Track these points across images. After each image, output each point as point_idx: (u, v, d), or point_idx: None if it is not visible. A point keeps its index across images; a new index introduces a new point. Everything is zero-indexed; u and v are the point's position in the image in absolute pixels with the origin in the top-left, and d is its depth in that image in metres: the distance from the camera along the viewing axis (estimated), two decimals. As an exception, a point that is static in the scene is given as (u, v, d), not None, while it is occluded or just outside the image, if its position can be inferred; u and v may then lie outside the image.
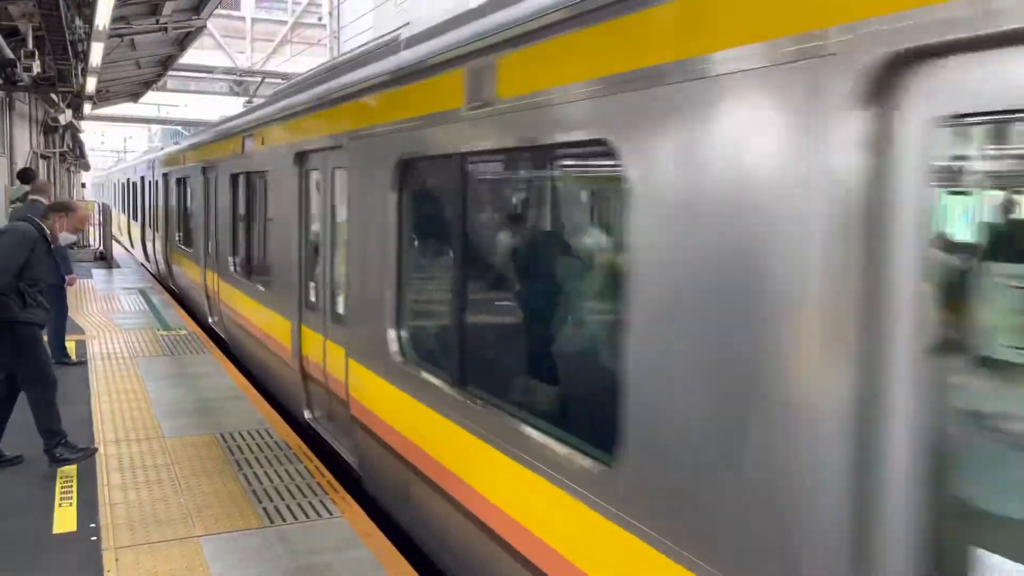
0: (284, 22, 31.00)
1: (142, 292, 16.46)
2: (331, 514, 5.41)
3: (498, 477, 3.92)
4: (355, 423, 5.96)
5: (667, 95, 2.76)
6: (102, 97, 22.87)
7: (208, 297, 12.18)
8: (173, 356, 10.26)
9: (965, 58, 1.92)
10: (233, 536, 5.04)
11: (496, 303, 4.72)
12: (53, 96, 17.82)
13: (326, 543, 4.98)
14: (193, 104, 35.60)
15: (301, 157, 7.31)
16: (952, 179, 2.07)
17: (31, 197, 9.77)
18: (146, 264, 21.83)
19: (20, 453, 6.32)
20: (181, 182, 14.92)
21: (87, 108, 21.54)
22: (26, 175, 11.91)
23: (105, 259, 21.65)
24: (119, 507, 5.44)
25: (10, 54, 12.03)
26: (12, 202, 10.15)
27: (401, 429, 5.11)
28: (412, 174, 5.12)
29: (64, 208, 6.70)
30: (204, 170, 12.37)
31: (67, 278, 9.09)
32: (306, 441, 7.03)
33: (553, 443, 3.48)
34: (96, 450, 6.29)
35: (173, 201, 15.92)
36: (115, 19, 11.08)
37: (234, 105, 26.70)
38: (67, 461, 6.07)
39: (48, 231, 6.32)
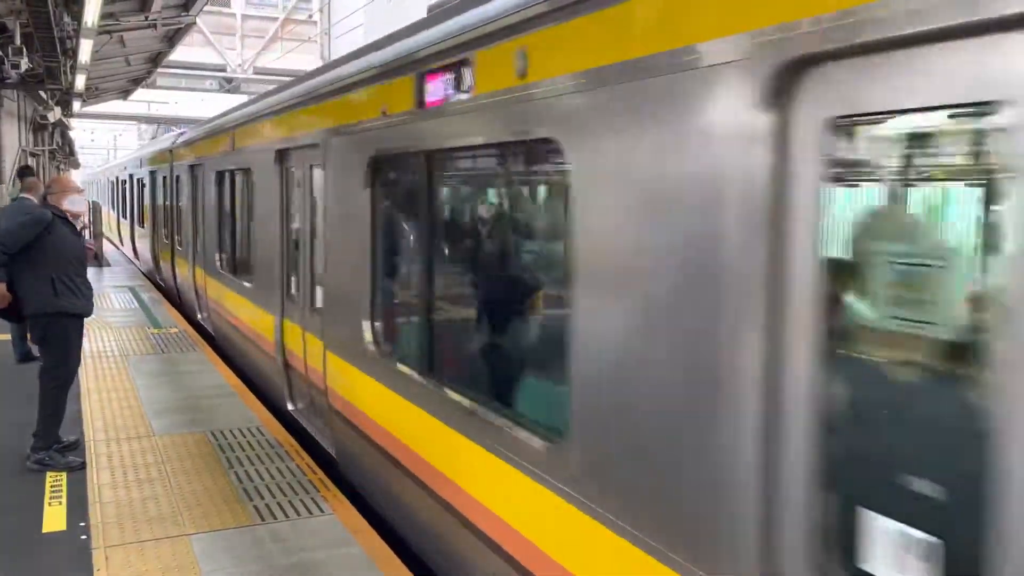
0: (275, 19, 30.86)
1: (132, 290, 16.40)
2: (322, 511, 5.40)
3: (296, 342, 7.03)
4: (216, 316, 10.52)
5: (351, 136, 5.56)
6: (91, 94, 22.76)
7: (155, 252, 16.08)
8: (163, 354, 10.23)
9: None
10: (224, 534, 5.03)
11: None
12: (42, 93, 17.74)
13: (317, 540, 4.97)
14: (183, 101, 35.44)
15: (192, 167, 11.57)
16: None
17: (21, 195, 9.71)
18: (120, 248, 24.43)
19: (76, 437, 6.60)
20: (149, 180, 17.93)
21: (76, 105, 21.47)
22: (26, 173, 11.81)
23: (96, 257, 21.55)
24: (109, 505, 5.42)
25: (-2, 51, 11.96)
26: (13, 200, 10.10)
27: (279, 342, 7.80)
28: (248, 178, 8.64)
29: (48, 187, 6.67)
30: (151, 173, 16.10)
31: None
32: (297, 438, 7.02)
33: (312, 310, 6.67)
34: (84, 465, 6.11)
35: (145, 195, 18.79)
36: (104, 15, 11.02)
37: (224, 101, 26.61)
38: (50, 468, 6.03)
39: (65, 214, 6.27)
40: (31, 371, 7.81)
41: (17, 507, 5.40)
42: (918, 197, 2.39)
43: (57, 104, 19.82)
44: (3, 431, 6.82)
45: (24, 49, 11.46)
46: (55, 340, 6.09)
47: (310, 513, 5.37)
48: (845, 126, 2.19)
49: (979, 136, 2.05)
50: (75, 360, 6.35)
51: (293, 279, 7.35)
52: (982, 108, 1.90)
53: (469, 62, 3.96)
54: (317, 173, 6.58)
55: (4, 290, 5.93)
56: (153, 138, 26.49)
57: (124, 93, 26.98)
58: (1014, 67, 1.77)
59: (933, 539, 2.04)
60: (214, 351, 10.39)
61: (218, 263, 10.47)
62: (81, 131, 46.80)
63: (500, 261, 4.75)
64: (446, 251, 5.00)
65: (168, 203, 14.84)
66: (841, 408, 2.27)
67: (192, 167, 12.29)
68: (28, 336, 9.07)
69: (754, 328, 2.36)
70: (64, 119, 23.15)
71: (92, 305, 6.38)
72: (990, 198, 2.03)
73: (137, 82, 24.40)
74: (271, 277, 7.73)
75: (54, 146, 23.79)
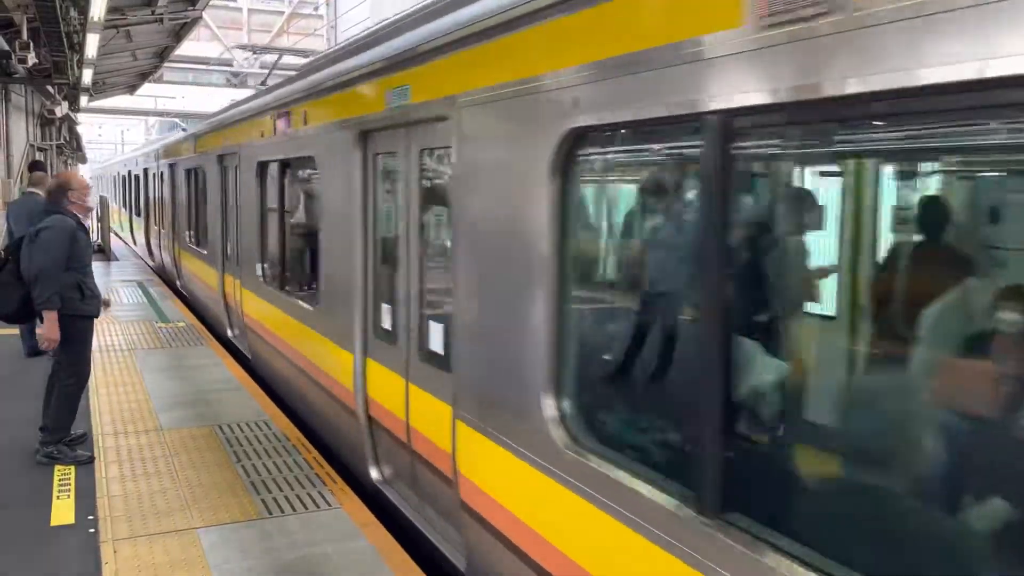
0: (281, 12, 30.86)
1: (140, 285, 16.44)
2: (329, 505, 5.41)
3: (391, 395, 5.36)
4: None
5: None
6: (98, 89, 22.77)
7: (175, 256, 16.29)
8: (171, 348, 10.25)
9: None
10: (231, 527, 5.04)
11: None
12: (49, 88, 17.73)
13: (325, 534, 4.98)
14: (190, 96, 35.47)
15: (224, 159, 10.97)
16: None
17: (28, 190, 9.75)
18: (133, 247, 25.07)
19: (84, 431, 6.57)
20: (119, 176, 20.85)
21: (84, 100, 21.45)
22: (36, 168, 11.85)
23: (103, 252, 21.59)
24: (117, 499, 5.44)
25: (5, 45, 11.96)
26: (22, 194, 10.19)
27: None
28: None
29: (65, 188, 6.52)
30: (171, 166, 16.67)
31: None
32: (304, 432, 7.03)
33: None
34: (92, 459, 6.15)
35: (145, 188, 20.39)
36: (110, 10, 11.01)
37: (231, 96, 26.62)
38: (59, 462, 6.06)
39: (80, 217, 6.34)
40: (39, 365, 7.85)
41: (26, 500, 5.42)
42: None
43: (64, 99, 19.83)
44: (13, 425, 6.84)
45: (31, 44, 11.44)
46: (77, 340, 6.16)
47: (317, 507, 5.37)
48: None
49: None
50: (90, 357, 6.46)
51: (385, 307, 5.51)
52: None
53: None
54: (436, 159, 4.77)
55: (55, 317, 5.91)
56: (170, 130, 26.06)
57: (131, 88, 26.99)
58: None
59: None
60: (258, 384, 8.71)
61: (260, 275, 8.84)
62: (88, 126, 46.90)
63: None
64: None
65: (192, 200, 13.39)
66: None
67: (222, 157, 10.72)
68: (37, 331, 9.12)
69: None
70: (71, 114, 23.18)
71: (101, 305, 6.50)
72: None
73: (144, 77, 24.40)
74: (345, 300, 5.94)
75: (61, 141, 23.83)
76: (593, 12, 3.15)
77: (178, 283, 15.23)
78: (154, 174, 18.13)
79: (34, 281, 5.86)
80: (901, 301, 2.79)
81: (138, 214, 22.17)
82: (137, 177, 22.00)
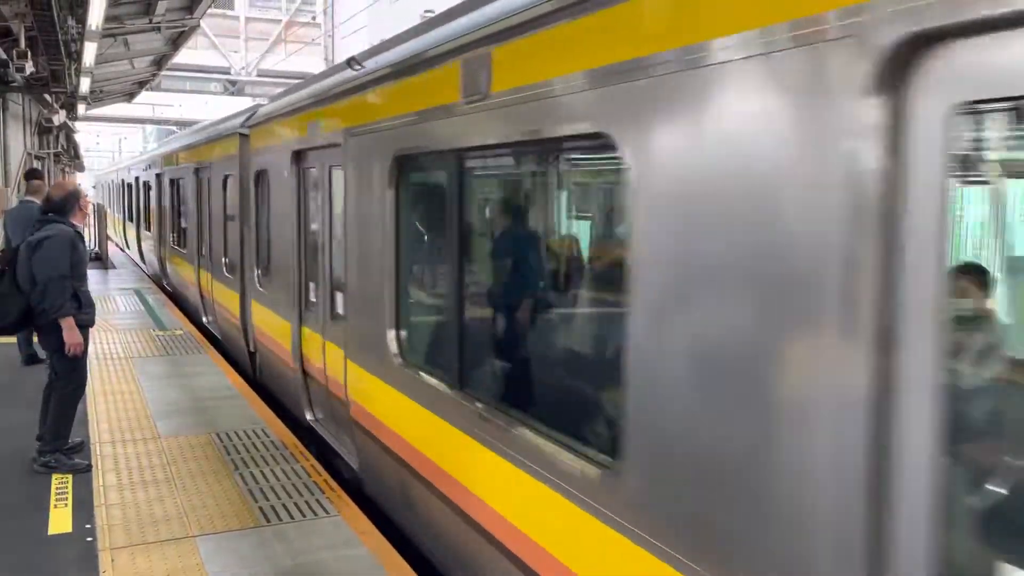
0: (278, 21, 30.91)
1: (137, 292, 16.43)
2: (328, 513, 5.40)
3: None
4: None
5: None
6: (96, 97, 22.80)
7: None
8: (169, 356, 10.24)
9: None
10: (229, 536, 5.03)
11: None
12: (47, 96, 17.76)
13: (323, 542, 4.97)
14: (188, 104, 35.52)
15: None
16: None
17: (25, 198, 9.76)
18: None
19: (81, 439, 6.57)
20: (139, 182, 20.59)
21: (81, 108, 21.49)
22: (33, 176, 11.87)
23: (100, 259, 21.58)
24: (115, 508, 5.43)
25: (2, 54, 11.98)
26: (21, 202, 10.22)
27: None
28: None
29: (77, 196, 6.57)
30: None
31: None
32: (303, 440, 7.02)
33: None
34: (90, 468, 6.14)
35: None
36: (108, 18, 11.04)
37: (228, 104, 26.68)
38: (56, 470, 6.05)
39: (80, 226, 6.40)
40: (36, 373, 7.84)
41: (23, 509, 5.41)
42: None
43: (62, 107, 19.86)
44: (10, 433, 6.83)
45: (28, 52, 11.46)
46: None
47: (315, 515, 5.37)
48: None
49: None
50: (87, 366, 6.48)
51: None
52: None
53: None
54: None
55: (72, 323, 5.96)
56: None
57: (129, 96, 27.03)
58: None
59: None
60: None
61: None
62: (86, 134, 46.94)
63: None
64: None
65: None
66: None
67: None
68: (35, 339, 9.11)
69: None
70: (69, 122, 23.20)
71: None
72: None
73: (142, 85, 24.45)
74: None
75: (59, 149, 23.84)
76: None
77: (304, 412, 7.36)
78: (218, 177, 10.77)
79: (44, 290, 5.86)
80: None
81: (180, 244, 14.40)
82: (175, 183, 14.79)
